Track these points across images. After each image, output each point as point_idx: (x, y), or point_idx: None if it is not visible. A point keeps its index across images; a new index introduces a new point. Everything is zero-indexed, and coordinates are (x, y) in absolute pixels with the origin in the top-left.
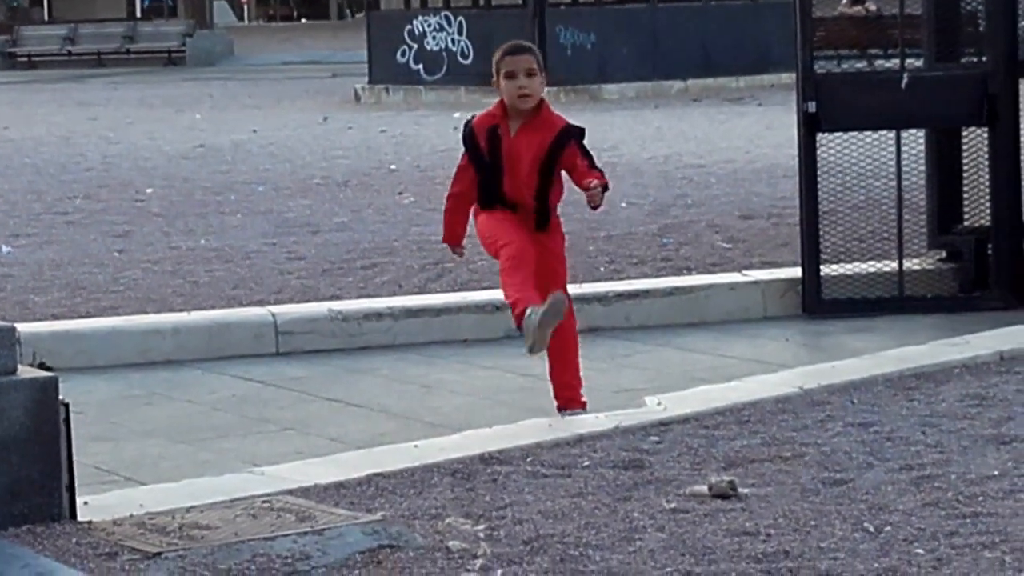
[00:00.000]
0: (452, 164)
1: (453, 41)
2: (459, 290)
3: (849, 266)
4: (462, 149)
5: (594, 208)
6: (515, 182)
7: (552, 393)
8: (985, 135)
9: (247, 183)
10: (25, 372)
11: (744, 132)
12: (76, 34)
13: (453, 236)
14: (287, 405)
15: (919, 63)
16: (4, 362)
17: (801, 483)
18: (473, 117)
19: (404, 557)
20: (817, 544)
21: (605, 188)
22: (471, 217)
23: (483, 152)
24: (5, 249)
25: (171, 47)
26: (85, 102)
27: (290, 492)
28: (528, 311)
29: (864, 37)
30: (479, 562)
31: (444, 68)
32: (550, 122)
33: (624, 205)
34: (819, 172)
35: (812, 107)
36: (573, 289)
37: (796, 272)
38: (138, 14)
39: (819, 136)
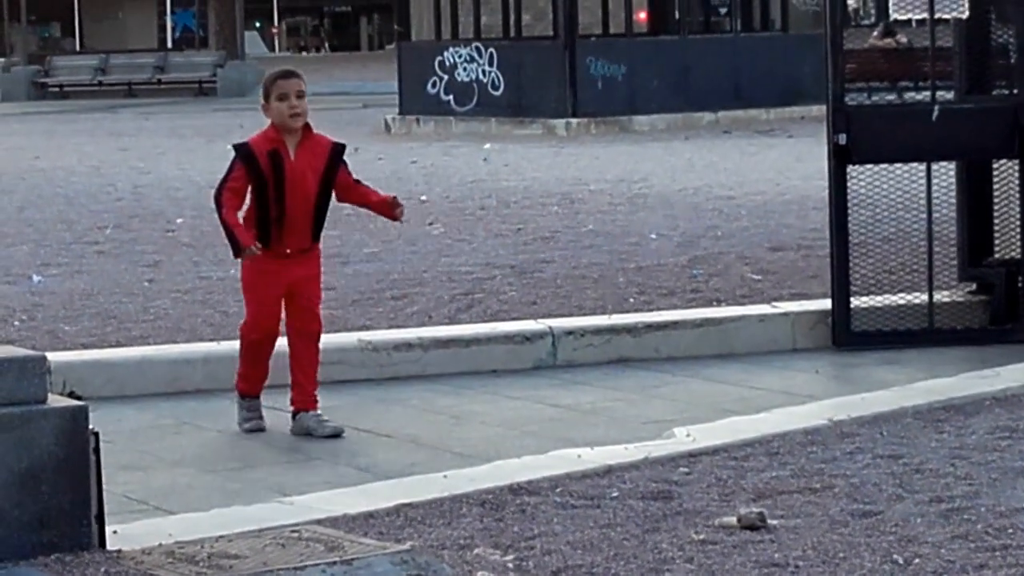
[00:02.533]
0: (482, 195)
1: (484, 72)
2: (488, 321)
3: (879, 298)
4: (236, 162)
5: (397, 220)
6: (299, 202)
7: (291, 397)
8: (1016, 167)
9: None
10: (55, 401)
11: (774, 164)
12: (107, 64)
13: (249, 238)
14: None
15: (950, 95)
16: (35, 391)
17: (830, 515)
18: (243, 141)
19: None
20: None
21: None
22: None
23: (265, 174)
24: (36, 278)
25: (202, 78)
26: (116, 132)
27: (319, 522)
28: (246, 404)
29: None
30: None
31: (475, 99)
32: (321, 141)
33: (654, 236)
34: (849, 204)
35: (843, 139)
36: (603, 320)
37: (826, 304)
38: (169, 45)
39: (849, 168)
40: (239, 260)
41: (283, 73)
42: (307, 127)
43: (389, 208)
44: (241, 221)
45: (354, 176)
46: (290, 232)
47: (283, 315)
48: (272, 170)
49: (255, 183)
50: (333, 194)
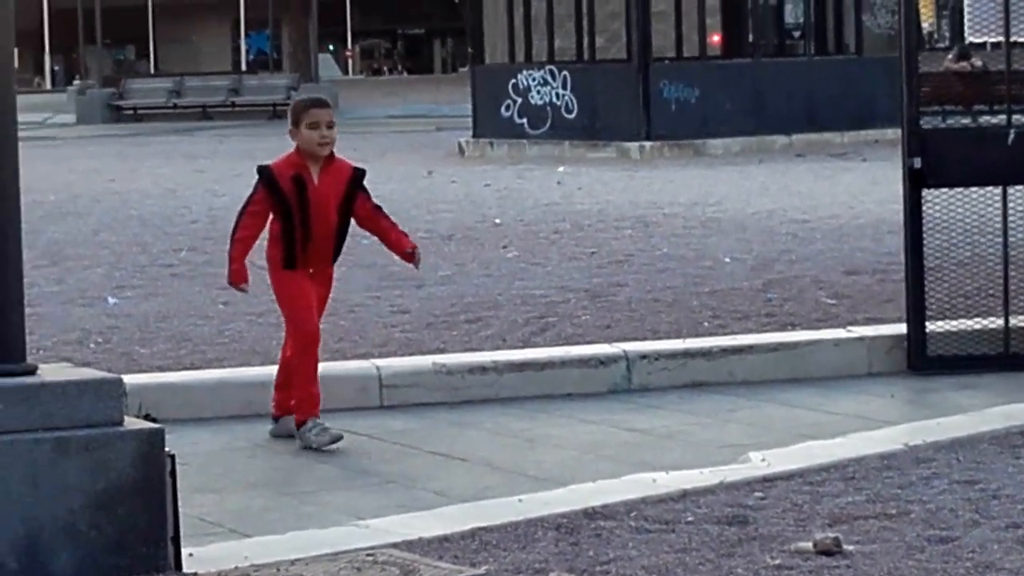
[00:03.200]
0: (556, 218)
1: (557, 95)
2: (562, 344)
3: (955, 323)
4: (258, 187)
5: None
6: (322, 225)
7: (274, 402)
8: None
9: (351, 236)
10: (132, 424)
11: (849, 187)
12: (182, 87)
13: (243, 270)
14: (391, 458)
15: None
16: (111, 413)
17: (906, 540)
18: (266, 165)
19: None
20: None
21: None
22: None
23: (289, 199)
24: (111, 301)
25: (276, 100)
26: (191, 155)
27: (394, 545)
28: (311, 425)
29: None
30: None
31: (548, 122)
32: (342, 167)
33: (728, 260)
34: (924, 228)
35: (918, 163)
36: (677, 344)
37: (901, 328)
38: (243, 67)
39: (924, 192)
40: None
41: (315, 101)
42: (332, 154)
43: (407, 257)
44: (269, 238)
45: (375, 203)
46: (313, 253)
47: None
48: (296, 194)
49: (279, 207)
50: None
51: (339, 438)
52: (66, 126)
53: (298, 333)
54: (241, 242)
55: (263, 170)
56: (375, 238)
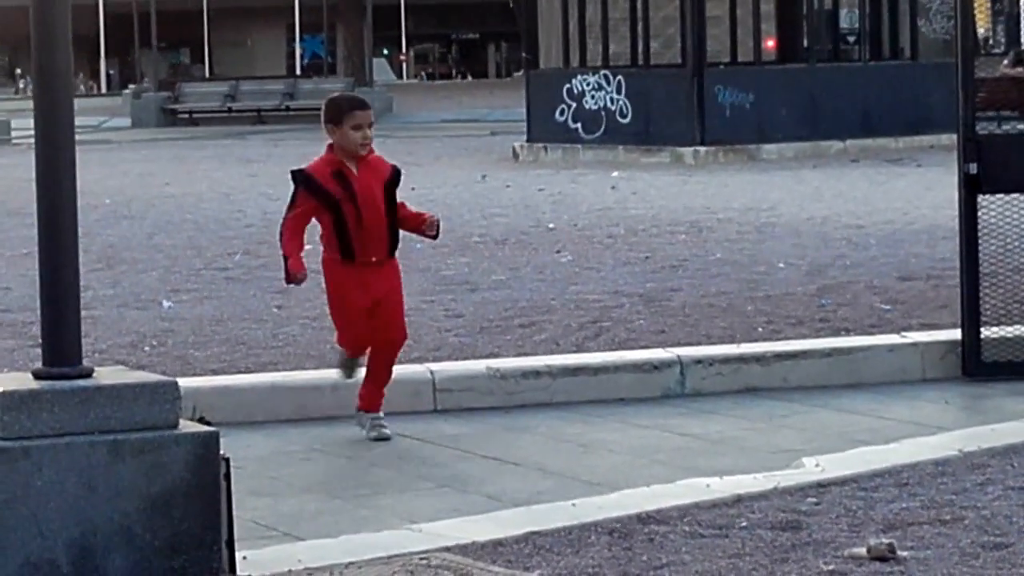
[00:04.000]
0: (610, 223)
1: (612, 100)
2: (617, 349)
3: (1010, 329)
4: (298, 191)
5: (434, 237)
6: (372, 213)
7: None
8: None
9: (405, 240)
10: (187, 427)
11: (903, 193)
12: (237, 91)
13: (299, 267)
14: (444, 462)
15: None
16: (166, 416)
17: (960, 547)
18: (300, 168)
19: None
20: None
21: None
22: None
23: (333, 193)
24: (166, 304)
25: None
26: (245, 158)
27: (447, 549)
28: (345, 360)
29: None
30: None
31: (602, 127)
32: (379, 162)
33: (782, 265)
34: (980, 234)
35: (973, 168)
36: (731, 349)
37: (956, 334)
38: (298, 71)
39: (980, 197)
40: (288, 285)
41: (359, 103)
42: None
43: (424, 228)
44: (322, 244)
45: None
46: (371, 241)
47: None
48: (342, 187)
49: (325, 203)
50: None
51: (386, 438)
52: (121, 130)
53: (340, 335)
54: (291, 240)
55: (298, 174)
56: (427, 241)
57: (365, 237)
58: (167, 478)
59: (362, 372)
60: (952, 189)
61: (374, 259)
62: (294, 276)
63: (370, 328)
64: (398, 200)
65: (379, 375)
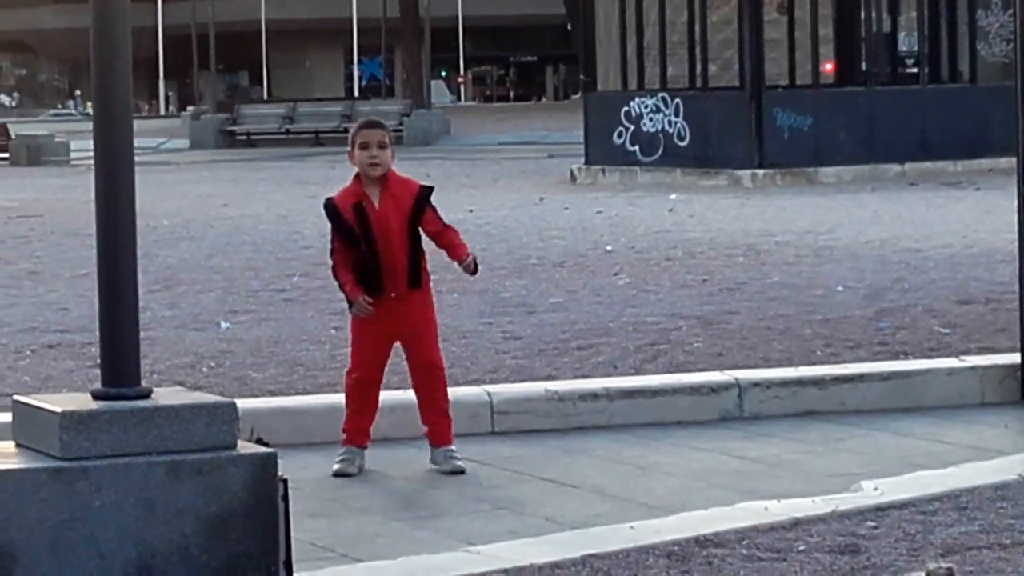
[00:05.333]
0: (668, 245)
1: (670, 123)
2: (674, 371)
3: None
4: (334, 226)
5: (471, 274)
6: (389, 248)
7: (426, 433)
8: None
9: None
10: (244, 448)
11: (962, 216)
12: (295, 113)
13: (360, 291)
14: (502, 484)
15: None
16: (224, 437)
17: (1020, 571)
18: (330, 198)
19: None
20: None
21: (475, 261)
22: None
23: (352, 227)
24: (224, 325)
25: (389, 126)
26: (303, 180)
27: (505, 571)
28: (343, 452)
29: None
30: None
31: (660, 150)
32: (405, 185)
33: (841, 289)
34: None
35: None
36: (789, 372)
37: (1015, 358)
38: (356, 93)
39: None
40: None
41: (367, 123)
42: (390, 174)
43: (461, 263)
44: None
45: (444, 222)
46: (387, 277)
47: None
48: (358, 222)
49: (345, 236)
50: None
51: (344, 474)
52: (180, 151)
53: (352, 366)
54: (343, 271)
55: (327, 204)
56: (485, 263)
57: (383, 274)
58: (225, 499)
59: (358, 462)
60: (1011, 213)
61: (393, 294)
62: (355, 300)
63: (384, 355)
64: (446, 223)
65: (435, 403)
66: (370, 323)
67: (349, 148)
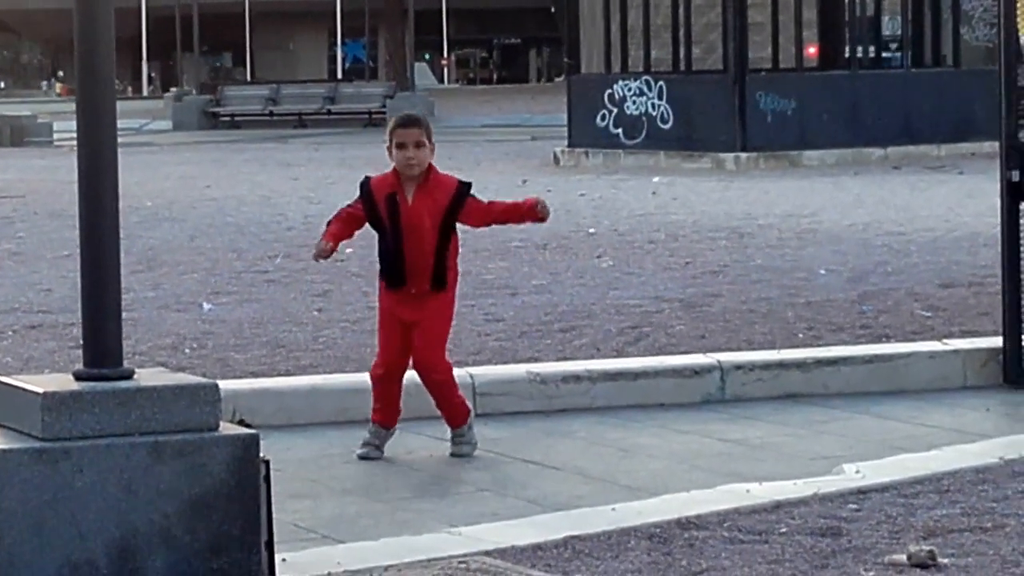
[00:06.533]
0: (651, 228)
1: (653, 106)
2: (657, 354)
3: None
4: (364, 205)
5: (542, 220)
6: (416, 245)
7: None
8: None
9: None
10: (227, 429)
11: (945, 200)
12: (278, 95)
13: (333, 237)
14: (484, 466)
15: None
16: (206, 419)
17: (1001, 554)
18: (369, 177)
19: None
20: None
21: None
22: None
23: (382, 217)
24: (206, 306)
25: (372, 108)
26: (286, 162)
27: (487, 553)
28: (370, 430)
29: None
30: None
31: (644, 132)
32: (443, 183)
33: (823, 272)
34: (1022, 241)
35: (1016, 176)
36: (772, 355)
37: (997, 342)
38: (339, 75)
39: (1022, 205)
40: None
41: (403, 121)
42: (430, 170)
43: (535, 211)
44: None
45: (485, 202)
46: (411, 274)
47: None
48: (388, 214)
49: (373, 223)
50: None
51: (366, 457)
52: (163, 132)
53: (377, 359)
54: (334, 223)
55: (364, 183)
56: (467, 245)
57: (407, 271)
58: (207, 480)
59: (383, 439)
60: (994, 197)
61: (413, 291)
62: (321, 245)
63: (401, 354)
64: (486, 200)
65: (441, 405)
66: (391, 313)
67: (387, 144)
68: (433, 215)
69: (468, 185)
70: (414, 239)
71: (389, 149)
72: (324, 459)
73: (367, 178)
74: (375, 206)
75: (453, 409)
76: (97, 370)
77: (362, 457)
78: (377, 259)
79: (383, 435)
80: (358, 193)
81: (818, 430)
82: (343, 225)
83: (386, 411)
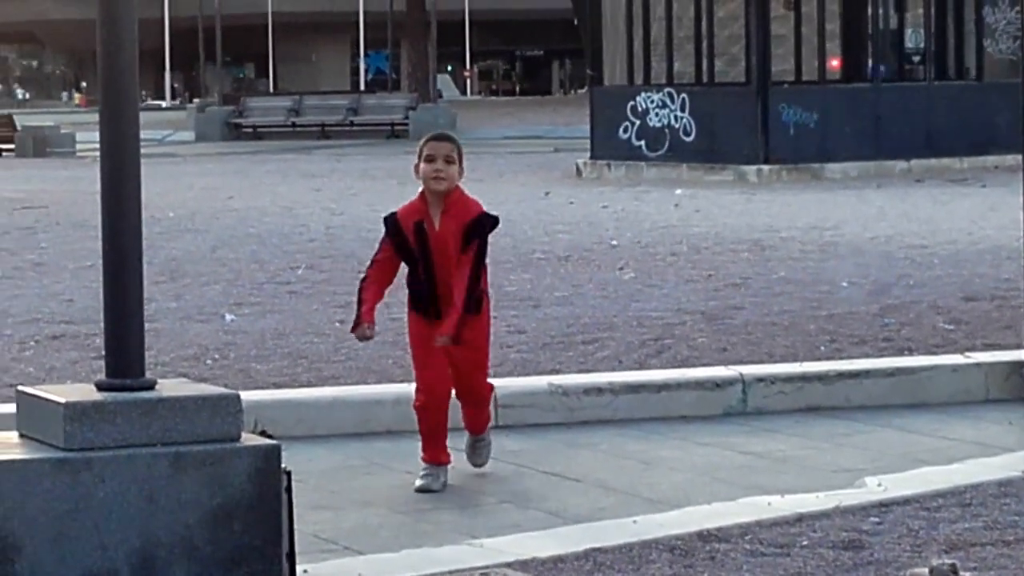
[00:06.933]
0: (673, 240)
1: (676, 118)
2: (679, 366)
3: None
4: (384, 236)
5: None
6: (446, 270)
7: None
8: None
9: None
10: (248, 440)
11: (967, 213)
12: (301, 106)
13: (368, 314)
14: (506, 478)
15: None
16: (228, 429)
17: None
18: (392, 213)
19: None
20: None
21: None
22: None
23: (412, 247)
24: (229, 317)
25: (394, 120)
26: (309, 173)
27: (508, 565)
28: (425, 469)
29: None
30: None
31: (666, 144)
32: (467, 207)
33: (846, 284)
34: None
35: None
36: (794, 368)
37: (1020, 355)
38: (362, 87)
39: None
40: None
41: (435, 135)
42: (458, 192)
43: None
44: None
45: (480, 254)
46: (444, 302)
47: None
48: (417, 242)
49: (404, 255)
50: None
51: (427, 490)
52: (185, 143)
53: (417, 389)
54: (369, 287)
55: (388, 219)
56: (491, 256)
57: (439, 298)
58: (229, 491)
59: (442, 478)
60: (1017, 210)
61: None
62: (360, 327)
63: (446, 371)
64: (475, 262)
65: (472, 423)
66: (426, 339)
67: (416, 160)
68: (457, 239)
69: (493, 220)
70: (444, 265)
71: (417, 166)
72: (345, 470)
73: (392, 213)
74: (404, 238)
75: (480, 420)
76: (119, 380)
77: (421, 489)
78: (405, 285)
79: (439, 471)
80: (384, 231)
81: (840, 443)
82: (377, 286)
83: (437, 446)
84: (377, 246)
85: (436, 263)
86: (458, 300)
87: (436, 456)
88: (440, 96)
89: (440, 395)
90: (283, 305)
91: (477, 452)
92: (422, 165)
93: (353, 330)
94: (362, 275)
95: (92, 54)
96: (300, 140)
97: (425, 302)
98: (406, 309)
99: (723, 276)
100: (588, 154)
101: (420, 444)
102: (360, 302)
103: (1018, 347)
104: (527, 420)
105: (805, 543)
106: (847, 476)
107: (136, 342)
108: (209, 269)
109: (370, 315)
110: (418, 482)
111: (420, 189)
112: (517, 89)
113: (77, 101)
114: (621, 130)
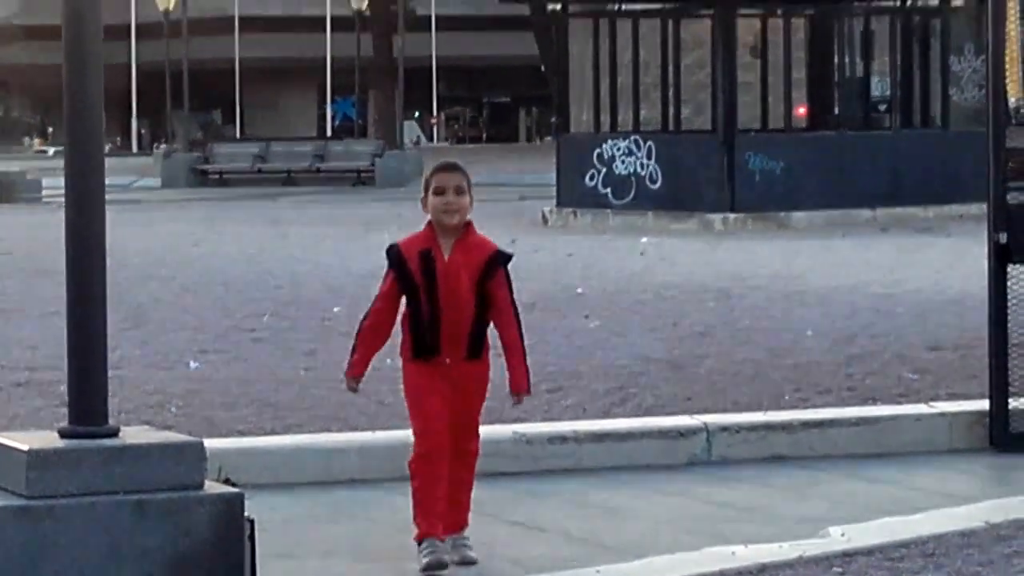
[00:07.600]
0: (639, 289)
1: (642, 165)
2: (643, 415)
3: None
4: (387, 269)
5: (515, 400)
6: (455, 308)
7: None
8: None
9: None
10: (212, 487)
11: (932, 262)
12: (267, 152)
13: (360, 364)
14: (470, 527)
15: None
16: (192, 477)
17: None
18: (395, 243)
19: None
20: None
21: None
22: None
23: (414, 275)
24: (193, 365)
25: (361, 167)
26: (275, 220)
27: None
28: (425, 546)
29: None
30: None
31: (632, 192)
32: (482, 243)
33: (810, 333)
34: (1009, 304)
35: (1003, 238)
36: (758, 417)
37: (984, 405)
38: (329, 133)
39: (1010, 268)
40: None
41: (443, 166)
42: (469, 227)
43: (513, 395)
44: (401, 327)
45: (513, 300)
46: (446, 340)
47: None
48: (423, 272)
49: (406, 287)
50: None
51: (442, 566)
52: (151, 189)
53: (417, 439)
54: (367, 332)
55: (390, 249)
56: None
57: (442, 336)
58: (192, 539)
59: (446, 553)
60: (982, 259)
61: (448, 360)
62: (349, 379)
63: (446, 419)
64: (511, 304)
65: (459, 492)
66: (426, 385)
67: (422, 193)
68: (471, 274)
69: (506, 256)
70: (452, 300)
71: (424, 199)
72: (309, 519)
73: (394, 244)
74: (407, 269)
75: (464, 506)
76: (83, 428)
77: (426, 568)
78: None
79: (441, 547)
80: (386, 264)
81: (804, 492)
82: (373, 335)
83: (433, 513)
84: (382, 281)
85: (442, 294)
86: (516, 351)
87: (432, 528)
88: (418, 142)
89: (443, 444)
90: (248, 353)
91: (464, 549)
92: (431, 198)
93: (345, 378)
94: (360, 321)
95: (58, 98)
96: (266, 187)
97: (428, 340)
98: (400, 360)
99: (688, 325)
100: (554, 201)
101: (414, 513)
102: (353, 349)
103: (982, 396)
104: (491, 469)
105: None
106: (811, 526)
107: (100, 389)
108: (174, 316)
109: (360, 367)
110: (424, 560)
111: (428, 219)
112: (484, 136)
113: (37, 145)
114: (587, 177)
